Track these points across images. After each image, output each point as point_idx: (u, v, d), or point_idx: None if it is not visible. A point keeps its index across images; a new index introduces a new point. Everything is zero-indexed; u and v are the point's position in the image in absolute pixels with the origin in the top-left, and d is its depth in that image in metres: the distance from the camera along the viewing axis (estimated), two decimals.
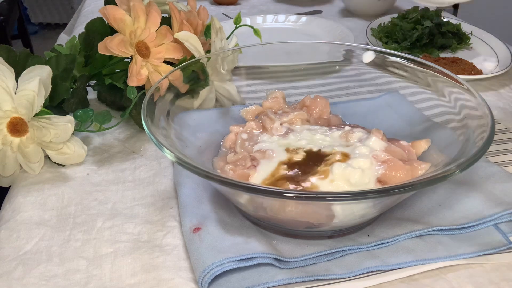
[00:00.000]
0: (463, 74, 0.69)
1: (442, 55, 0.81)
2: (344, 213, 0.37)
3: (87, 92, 0.59)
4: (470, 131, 0.41)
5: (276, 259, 0.37)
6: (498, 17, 1.75)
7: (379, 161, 0.41)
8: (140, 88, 0.53)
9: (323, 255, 0.38)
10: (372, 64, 0.53)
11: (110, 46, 0.50)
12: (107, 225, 0.43)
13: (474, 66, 0.72)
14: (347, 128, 0.47)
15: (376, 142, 0.43)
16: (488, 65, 0.74)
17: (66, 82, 0.53)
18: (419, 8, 0.88)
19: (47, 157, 0.51)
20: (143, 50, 0.53)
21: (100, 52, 0.51)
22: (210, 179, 0.35)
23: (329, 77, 0.63)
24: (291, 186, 0.40)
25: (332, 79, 0.62)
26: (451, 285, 0.36)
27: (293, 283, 0.36)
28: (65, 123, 0.49)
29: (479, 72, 0.71)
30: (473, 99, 0.43)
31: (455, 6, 2.40)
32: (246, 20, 0.94)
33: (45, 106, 0.51)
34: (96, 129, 0.53)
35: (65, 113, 0.53)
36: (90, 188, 0.49)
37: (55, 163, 0.52)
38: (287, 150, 0.44)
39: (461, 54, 0.81)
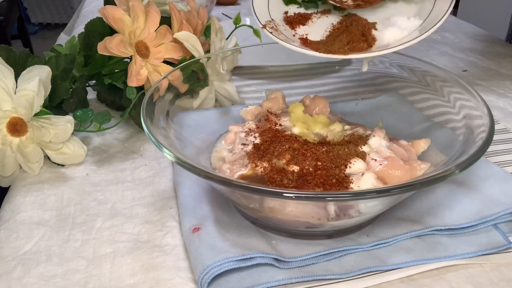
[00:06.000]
0: (346, 47, 0.45)
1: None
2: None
3: (86, 92, 0.59)
4: (469, 131, 0.41)
5: (276, 259, 0.37)
6: (498, 17, 1.75)
7: (381, 157, 0.41)
8: (140, 88, 0.53)
9: (322, 255, 0.38)
10: (372, 64, 0.53)
11: (109, 46, 0.50)
12: (106, 225, 0.43)
13: (369, 30, 0.46)
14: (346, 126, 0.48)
15: (377, 141, 0.43)
16: (405, 25, 0.45)
17: (65, 82, 0.53)
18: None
19: (46, 157, 0.51)
20: (142, 50, 0.53)
21: (99, 52, 0.51)
22: (210, 179, 0.35)
23: (329, 77, 0.63)
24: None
25: (332, 79, 0.62)
26: (450, 285, 0.36)
27: (293, 283, 0.36)
28: (65, 123, 0.49)
29: (369, 43, 0.45)
30: (473, 99, 0.43)
31: (455, 6, 2.40)
32: (246, 20, 0.94)
33: (44, 106, 0.51)
34: (95, 129, 0.53)
35: (64, 113, 0.53)
36: (89, 188, 0.49)
37: (55, 163, 0.52)
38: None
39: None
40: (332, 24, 0.49)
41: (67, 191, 0.48)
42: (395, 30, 0.45)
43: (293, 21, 0.49)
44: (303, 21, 0.49)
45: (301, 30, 0.48)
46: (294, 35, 0.48)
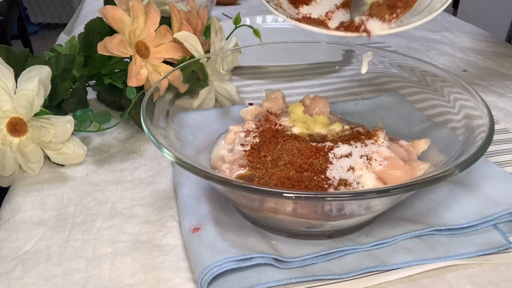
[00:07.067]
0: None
1: None
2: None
3: (86, 92, 0.59)
4: (469, 131, 0.41)
5: (276, 259, 0.37)
6: (498, 17, 1.75)
7: (381, 157, 0.41)
8: (140, 88, 0.53)
9: (322, 255, 0.38)
10: (372, 64, 0.53)
11: (109, 46, 0.50)
12: (106, 225, 0.43)
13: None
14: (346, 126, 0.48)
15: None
16: None
17: (65, 82, 0.53)
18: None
19: (46, 157, 0.51)
20: (142, 50, 0.53)
21: (99, 52, 0.51)
22: (209, 179, 0.35)
23: (329, 77, 0.63)
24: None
25: (332, 79, 0.62)
26: (450, 285, 0.36)
27: (292, 283, 0.36)
28: (65, 123, 0.49)
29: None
30: (473, 99, 0.43)
31: (455, 6, 2.40)
32: (246, 20, 0.94)
33: (44, 106, 0.51)
34: (95, 129, 0.53)
35: (64, 113, 0.53)
36: (89, 188, 0.49)
37: (55, 163, 0.52)
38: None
39: None
40: (336, 4, 0.49)
41: (67, 191, 0.48)
42: None
43: (296, 1, 0.49)
44: (307, 1, 0.49)
45: (305, 10, 0.48)
46: (297, 14, 0.48)
